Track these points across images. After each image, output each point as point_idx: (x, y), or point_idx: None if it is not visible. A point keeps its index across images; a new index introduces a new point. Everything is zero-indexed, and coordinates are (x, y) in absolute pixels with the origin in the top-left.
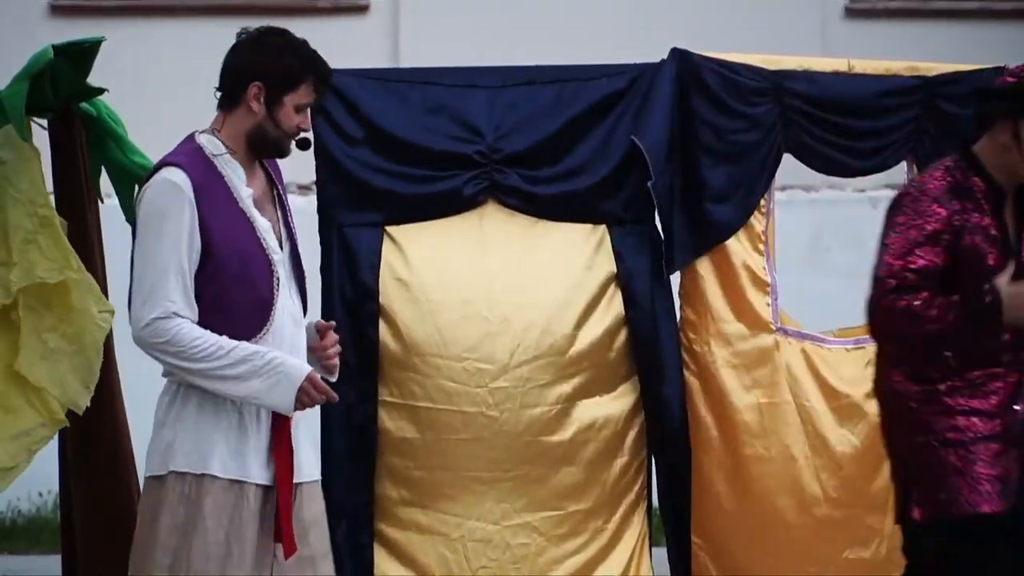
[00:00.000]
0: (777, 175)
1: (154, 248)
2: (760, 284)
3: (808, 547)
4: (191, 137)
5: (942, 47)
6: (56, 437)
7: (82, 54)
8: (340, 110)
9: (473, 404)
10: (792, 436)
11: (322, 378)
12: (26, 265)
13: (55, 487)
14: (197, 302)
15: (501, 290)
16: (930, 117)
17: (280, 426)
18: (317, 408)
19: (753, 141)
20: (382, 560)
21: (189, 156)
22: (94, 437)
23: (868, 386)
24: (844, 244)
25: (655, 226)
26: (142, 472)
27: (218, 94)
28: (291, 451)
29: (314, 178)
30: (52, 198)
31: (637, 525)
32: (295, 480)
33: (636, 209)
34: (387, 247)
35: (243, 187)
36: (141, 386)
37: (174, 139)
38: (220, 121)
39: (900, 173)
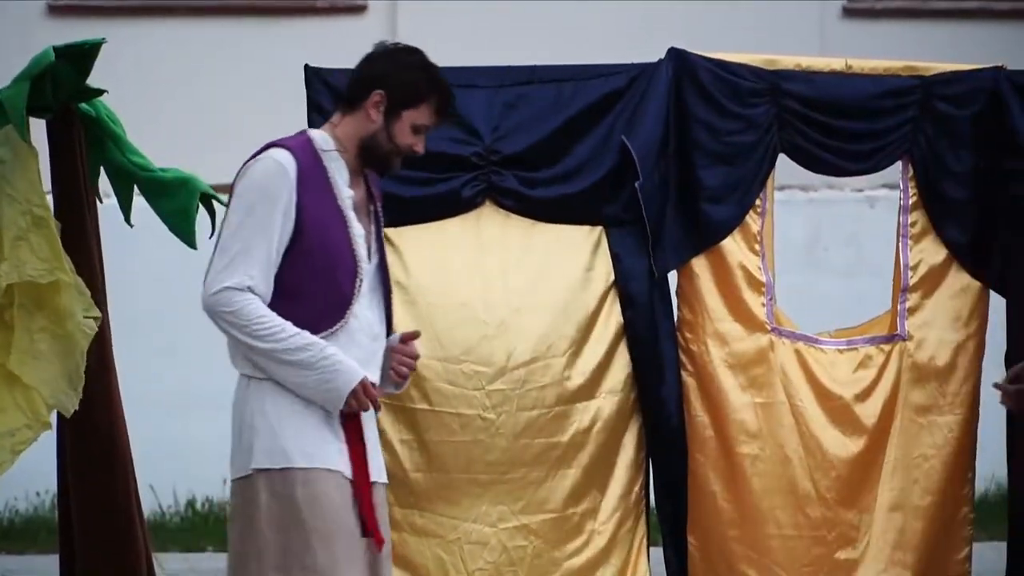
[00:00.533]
0: (775, 175)
1: (245, 220)
2: (755, 284)
3: (801, 547)
4: (304, 132)
5: (941, 47)
6: (54, 436)
7: (83, 55)
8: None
9: (470, 406)
10: (785, 436)
11: (381, 387)
12: (15, 262)
13: (53, 487)
14: (278, 285)
15: (499, 292)
16: (927, 117)
17: (350, 421)
18: None
19: (749, 142)
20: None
21: (299, 144)
22: (91, 437)
23: (859, 388)
24: (842, 244)
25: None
26: (141, 472)
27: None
28: (363, 445)
29: None
30: (50, 198)
31: (635, 526)
32: (379, 479)
33: (635, 210)
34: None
35: (345, 187)
36: (140, 386)
37: (173, 139)
38: (337, 120)
39: (896, 173)
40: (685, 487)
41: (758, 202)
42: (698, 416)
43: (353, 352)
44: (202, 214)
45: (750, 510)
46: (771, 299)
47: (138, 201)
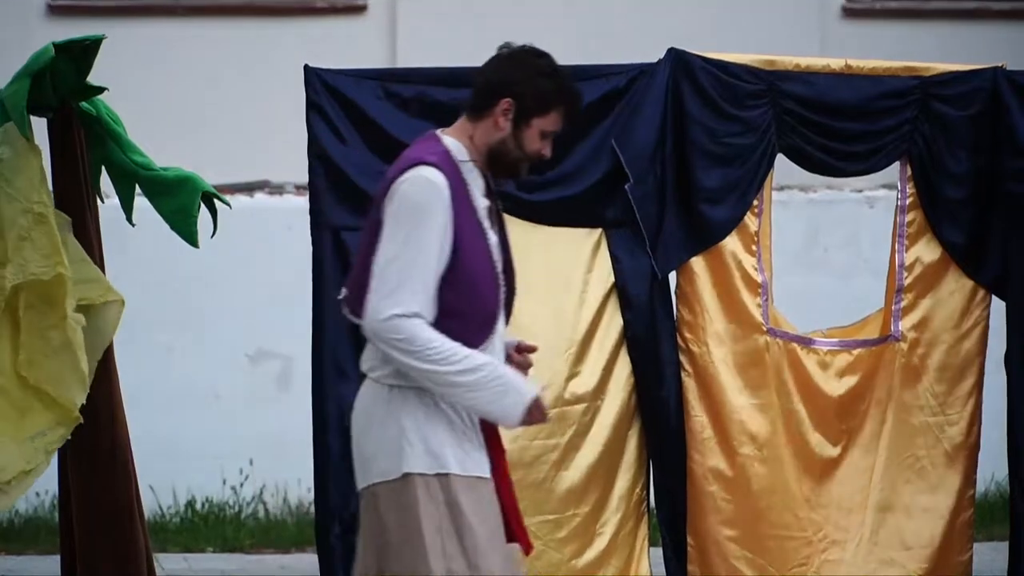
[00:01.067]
0: (775, 175)
1: (406, 243)
2: (752, 285)
3: (791, 547)
4: (435, 138)
5: (941, 47)
6: None
7: (83, 52)
8: (336, 110)
9: None
10: (779, 438)
11: None
12: (20, 262)
13: (53, 487)
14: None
15: None
16: (925, 118)
17: (491, 426)
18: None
19: (747, 144)
20: None
21: (441, 158)
22: (92, 436)
23: (850, 389)
24: (841, 244)
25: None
26: (141, 472)
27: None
28: (503, 448)
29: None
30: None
31: (636, 527)
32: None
33: (634, 211)
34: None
35: (481, 198)
36: (141, 386)
37: (173, 139)
38: (466, 129)
39: (896, 173)
40: (684, 488)
41: (755, 202)
42: (697, 417)
43: (495, 356)
44: (203, 213)
45: (747, 511)
46: (767, 299)
47: (139, 200)
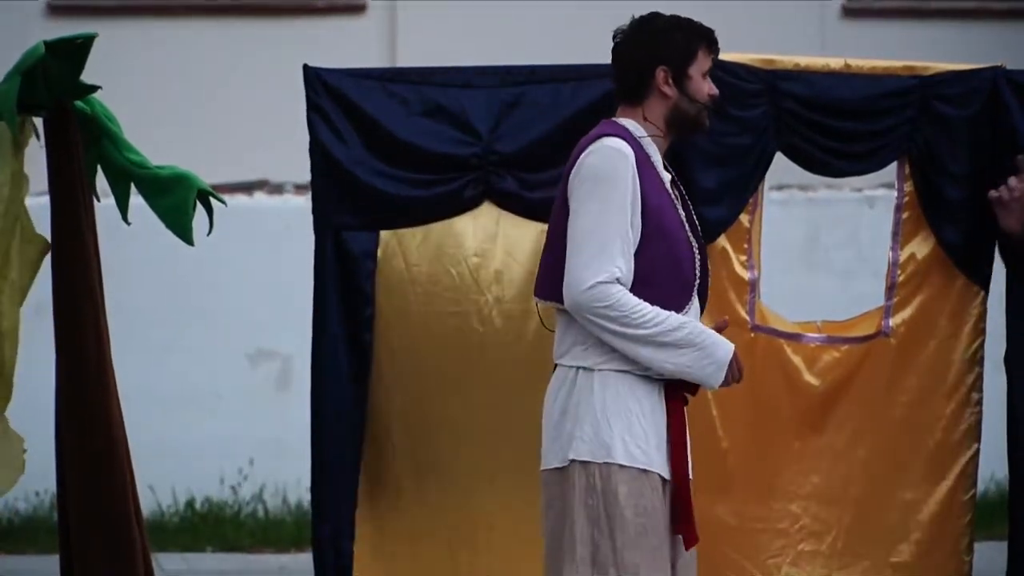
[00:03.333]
0: (774, 174)
1: (600, 210)
2: (739, 282)
3: (767, 539)
4: (610, 122)
5: (941, 47)
6: (53, 436)
7: (75, 50)
8: (336, 110)
9: (467, 408)
10: (763, 434)
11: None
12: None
13: (52, 487)
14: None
15: (496, 295)
16: (925, 118)
17: (676, 415)
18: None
19: (745, 144)
20: (372, 563)
21: (621, 133)
22: (87, 436)
23: (836, 384)
24: (841, 244)
25: None
26: (140, 472)
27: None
28: (685, 442)
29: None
30: (47, 198)
31: None
32: (691, 476)
33: None
34: (382, 250)
35: (663, 171)
36: (139, 385)
37: (173, 139)
38: (634, 114)
39: (895, 173)
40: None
41: (750, 200)
42: (691, 420)
43: None
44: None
45: (727, 505)
46: (754, 296)
47: (137, 200)
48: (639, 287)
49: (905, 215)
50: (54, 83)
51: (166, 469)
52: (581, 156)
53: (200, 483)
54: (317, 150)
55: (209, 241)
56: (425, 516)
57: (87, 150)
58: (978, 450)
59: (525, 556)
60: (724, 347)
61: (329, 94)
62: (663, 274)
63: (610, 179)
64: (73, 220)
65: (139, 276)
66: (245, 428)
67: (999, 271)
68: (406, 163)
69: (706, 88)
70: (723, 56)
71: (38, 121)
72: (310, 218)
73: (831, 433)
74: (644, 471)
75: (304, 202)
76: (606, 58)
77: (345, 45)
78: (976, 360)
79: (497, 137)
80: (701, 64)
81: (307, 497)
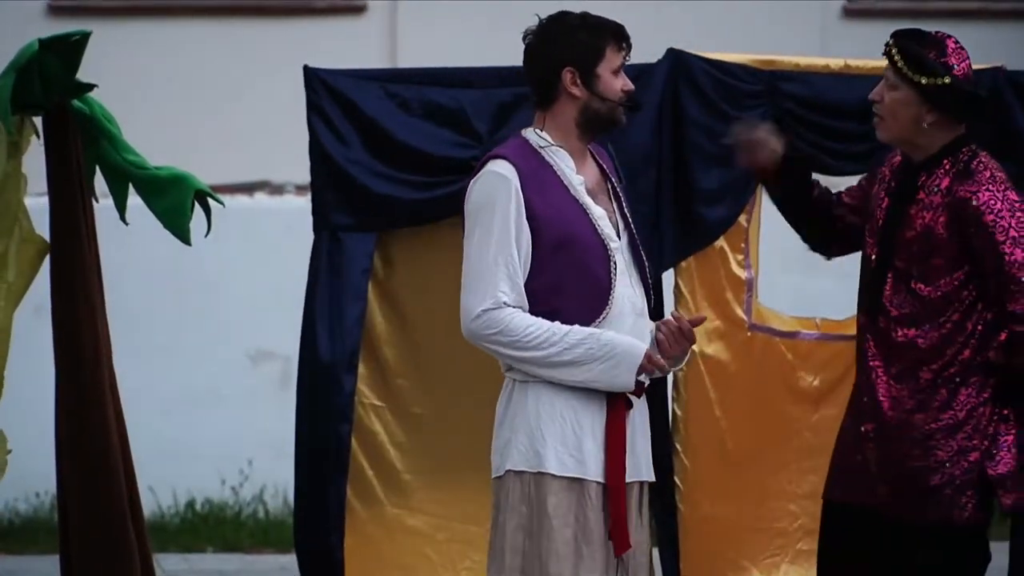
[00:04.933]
0: None
1: (481, 239)
2: (736, 282)
3: (765, 539)
4: (516, 134)
5: None
6: (53, 437)
7: (70, 48)
8: (336, 111)
9: (461, 408)
10: (760, 431)
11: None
12: None
13: (53, 487)
14: (537, 290)
15: None
16: None
17: (615, 421)
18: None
19: None
20: (364, 562)
21: (515, 148)
22: (84, 437)
23: (831, 381)
24: None
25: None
26: (140, 472)
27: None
28: (623, 446)
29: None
30: (46, 199)
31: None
32: (636, 478)
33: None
34: (379, 251)
35: (573, 175)
36: (139, 386)
37: (172, 139)
38: (542, 120)
39: None
40: (673, 484)
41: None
42: (687, 415)
43: (621, 332)
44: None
45: (728, 506)
46: (751, 295)
47: (136, 200)
48: (550, 299)
49: None
50: (50, 81)
51: (167, 469)
52: (470, 182)
53: (200, 483)
54: (316, 150)
55: (210, 241)
56: (421, 515)
57: (86, 150)
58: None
59: None
60: (631, 355)
61: (329, 95)
62: (573, 284)
63: (489, 206)
64: (72, 220)
65: (140, 276)
66: (246, 428)
67: None
68: (405, 165)
69: (618, 85)
70: (723, 56)
71: (37, 121)
72: (311, 219)
73: (829, 432)
74: (578, 480)
75: (305, 203)
76: None
77: (345, 46)
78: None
79: (497, 138)
80: (611, 61)
81: None
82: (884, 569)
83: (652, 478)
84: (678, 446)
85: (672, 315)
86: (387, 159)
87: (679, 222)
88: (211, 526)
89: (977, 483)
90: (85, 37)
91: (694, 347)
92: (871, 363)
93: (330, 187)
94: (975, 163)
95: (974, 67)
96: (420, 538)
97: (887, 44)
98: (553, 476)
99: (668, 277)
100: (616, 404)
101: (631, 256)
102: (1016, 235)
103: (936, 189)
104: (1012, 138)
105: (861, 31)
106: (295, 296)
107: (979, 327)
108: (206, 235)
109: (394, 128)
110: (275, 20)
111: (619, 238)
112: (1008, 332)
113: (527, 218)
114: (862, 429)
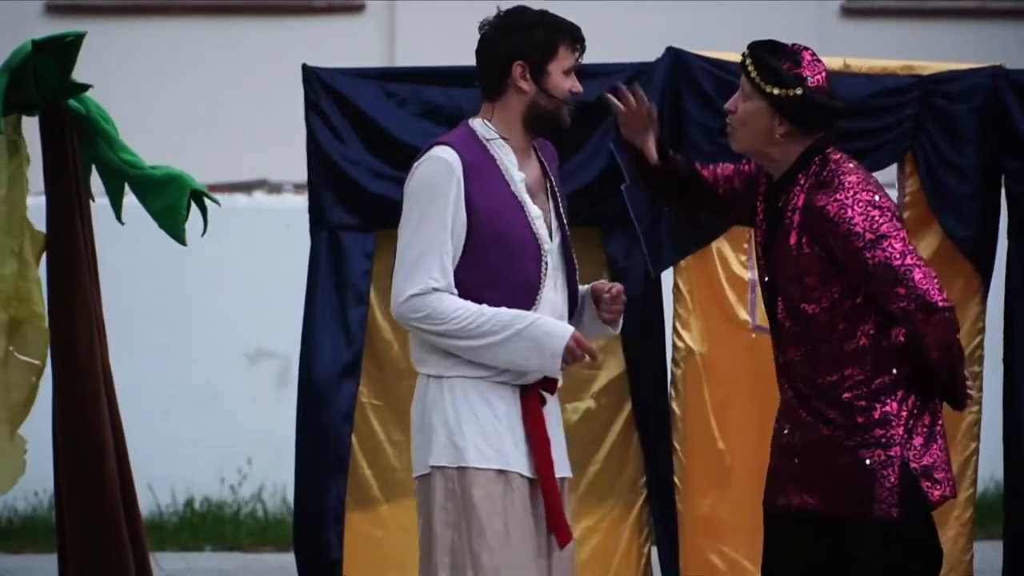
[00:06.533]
0: None
1: (418, 225)
2: (738, 282)
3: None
4: (464, 123)
5: (940, 47)
6: (50, 436)
7: (64, 49)
8: (335, 110)
9: None
10: (764, 431)
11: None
12: None
13: (51, 486)
14: (466, 280)
15: None
16: (928, 114)
17: (533, 415)
18: (292, 408)
19: None
20: (361, 560)
21: (461, 138)
22: (80, 436)
23: None
24: None
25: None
26: (139, 471)
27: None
28: (546, 440)
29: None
30: (43, 198)
31: (632, 527)
32: (559, 474)
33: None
34: (379, 251)
35: (515, 171)
36: (137, 385)
37: (171, 138)
38: (489, 111)
39: (892, 171)
40: (674, 485)
41: None
42: (688, 414)
43: None
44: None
45: (726, 503)
46: (755, 296)
47: (132, 199)
48: (478, 292)
49: (906, 214)
50: (44, 82)
51: (165, 468)
52: (414, 164)
53: (199, 482)
54: (314, 149)
55: (208, 241)
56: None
57: (82, 150)
58: (976, 449)
59: None
60: (559, 334)
61: (328, 94)
62: (502, 280)
63: (430, 191)
64: (68, 220)
65: (139, 276)
66: (244, 428)
67: (998, 273)
68: (404, 163)
69: (567, 85)
70: (723, 56)
71: (34, 121)
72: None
73: None
74: (501, 472)
75: (303, 202)
76: (606, 58)
77: (344, 45)
78: (975, 359)
79: None
80: (563, 61)
81: None
82: (827, 571)
83: (570, 474)
84: (677, 446)
85: (599, 283)
86: (385, 158)
87: (678, 222)
88: (209, 525)
89: (901, 476)
90: (79, 38)
91: (694, 347)
92: (782, 377)
93: (328, 186)
94: (825, 173)
95: (974, 67)
96: (417, 537)
97: (742, 55)
98: (476, 469)
99: (668, 276)
100: (530, 399)
101: (561, 259)
102: (872, 237)
103: (795, 208)
104: (1012, 138)
105: (859, 31)
106: (293, 295)
107: (871, 330)
108: (202, 235)
109: (392, 127)
110: (274, 19)
111: (551, 239)
112: (902, 331)
113: (465, 209)
114: (788, 435)
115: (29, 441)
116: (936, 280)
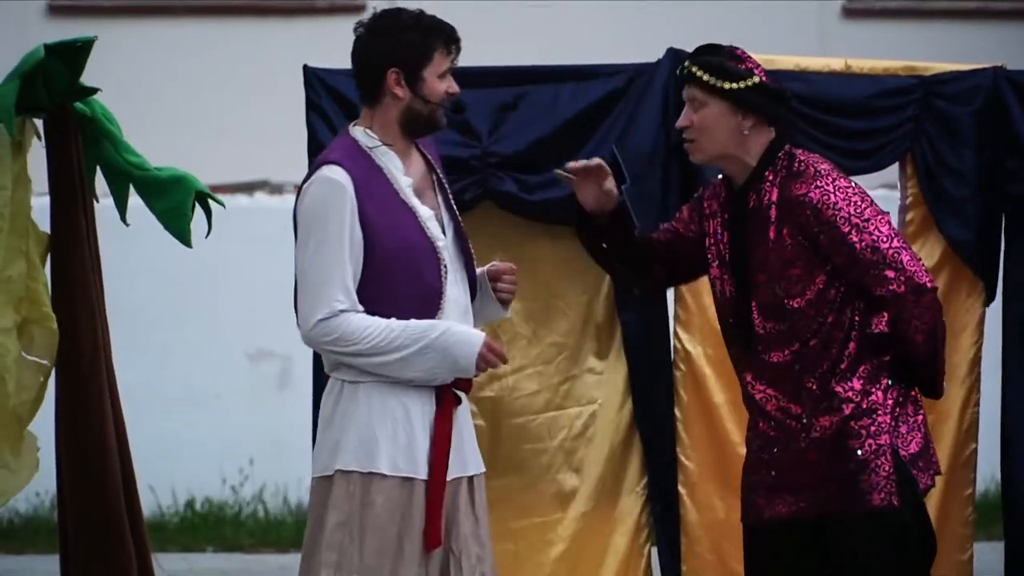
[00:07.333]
0: None
1: (317, 248)
2: None
3: None
4: (345, 131)
5: (941, 47)
6: (53, 436)
7: (74, 54)
8: (336, 110)
9: None
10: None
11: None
12: None
13: (53, 487)
14: (367, 298)
15: None
16: (929, 116)
17: (442, 418)
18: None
19: None
20: None
21: (346, 151)
22: (81, 437)
23: None
24: None
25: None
26: (140, 472)
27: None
28: (448, 443)
29: None
30: (46, 199)
31: (632, 529)
32: (465, 473)
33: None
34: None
35: (402, 177)
36: (139, 385)
37: (172, 139)
38: (369, 118)
39: (894, 172)
40: (677, 487)
41: None
42: (689, 415)
43: None
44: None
45: (734, 503)
46: None
47: (136, 200)
48: (382, 307)
49: (909, 216)
50: (54, 85)
51: (166, 469)
52: (303, 186)
53: (200, 483)
54: (316, 150)
55: (210, 241)
56: None
57: (86, 151)
58: (976, 449)
59: (523, 551)
60: (470, 343)
61: (329, 94)
62: (403, 292)
63: (323, 214)
64: (72, 220)
65: (140, 276)
66: (245, 428)
67: None
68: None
69: (443, 88)
70: None
71: (38, 122)
72: None
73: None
74: (409, 479)
75: None
76: (606, 58)
77: (345, 45)
78: (975, 360)
79: (496, 139)
80: (438, 65)
81: (307, 497)
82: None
83: (481, 470)
84: (678, 447)
85: (495, 264)
86: None
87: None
88: (211, 525)
89: (895, 464)
90: (89, 43)
91: (695, 348)
92: (755, 391)
93: None
94: (796, 164)
95: (974, 67)
96: None
97: (684, 67)
98: (383, 476)
99: None
100: (445, 400)
101: (457, 249)
102: (858, 221)
103: (769, 203)
104: (1011, 137)
105: (860, 31)
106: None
107: (856, 318)
108: (206, 236)
109: None
110: (275, 20)
111: (445, 235)
112: (886, 316)
113: (360, 226)
114: (768, 447)
115: None
116: (921, 262)
